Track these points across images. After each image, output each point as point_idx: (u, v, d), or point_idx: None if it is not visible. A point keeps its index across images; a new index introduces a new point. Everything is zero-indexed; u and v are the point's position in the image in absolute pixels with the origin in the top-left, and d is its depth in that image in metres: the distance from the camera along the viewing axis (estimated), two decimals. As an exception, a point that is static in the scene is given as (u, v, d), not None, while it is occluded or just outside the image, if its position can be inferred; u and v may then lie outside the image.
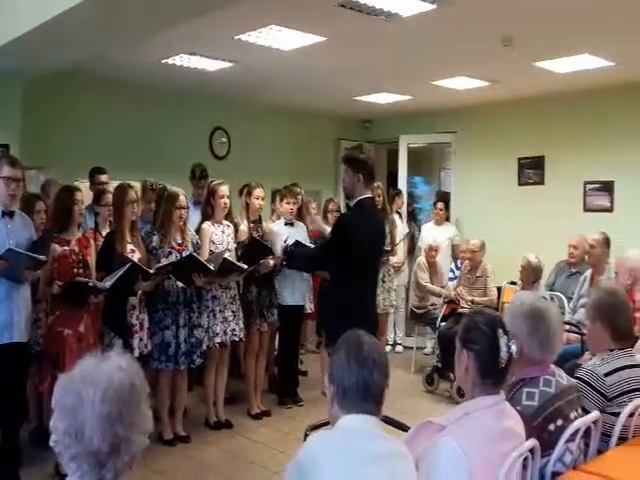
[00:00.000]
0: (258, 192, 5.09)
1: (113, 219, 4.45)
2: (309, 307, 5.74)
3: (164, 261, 4.35)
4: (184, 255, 4.44)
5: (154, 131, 6.93)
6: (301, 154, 8.13)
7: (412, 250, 7.86)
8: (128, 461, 1.39)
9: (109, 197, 4.67)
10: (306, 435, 2.24)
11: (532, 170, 7.42)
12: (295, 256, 4.54)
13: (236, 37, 5.01)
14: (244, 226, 5.06)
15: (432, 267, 6.76)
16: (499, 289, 6.24)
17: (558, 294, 5.54)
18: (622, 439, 2.43)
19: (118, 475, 1.38)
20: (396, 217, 7.05)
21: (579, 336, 4.53)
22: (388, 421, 2.30)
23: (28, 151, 5.46)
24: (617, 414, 2.42)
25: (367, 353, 1.81)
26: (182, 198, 4.52)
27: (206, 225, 4.78)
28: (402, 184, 8.16)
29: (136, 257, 4.21)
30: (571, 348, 4.40)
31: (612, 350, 2.60)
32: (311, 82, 6.64)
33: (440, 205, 7.68)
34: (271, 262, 4.97)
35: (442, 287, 6.62)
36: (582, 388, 2.46)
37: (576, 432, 2.20)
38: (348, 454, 1.73)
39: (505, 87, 6.72)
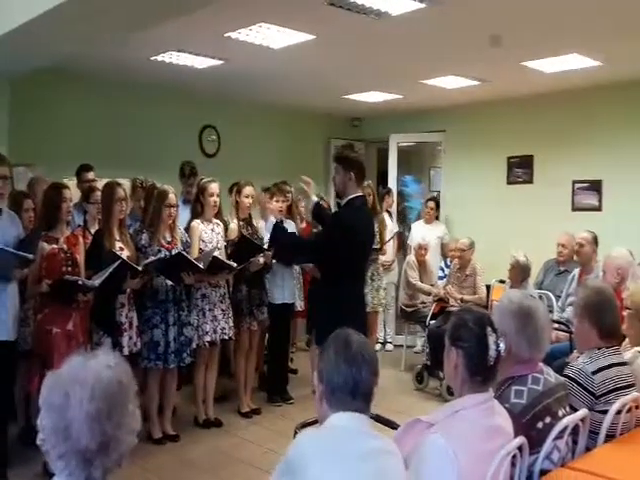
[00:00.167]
0: (248, 190, 5.07)
1: (102, 217, 4.43)
2: (299, 305, 5.74)
3: (152, 259, 4.33)
4: (173, 253, 4.43)
5: (143, 129, 6.89)
6: (291, 152, 8.11)
7: (402, 248, 7.88)
8: (117, 460, 1.39)
9: (98, 195, 4.62)
10: (296, 433, 2.23)
11: (521, 169, 7.45)
12: (286, 237, 4.37)
13: (226, 35, 5.00)
14: (234, 224, 5.06)
15: (422, 265, 6.80)
16: (488, 287, 6.27)
17: (547, 292, 5.56)
18: (610, 436, 2.45)
19: (106, 473, 1.38)
20: (386, 216, 7.06)
21: (568, 334, 4.55)
22: (377, 419, 2.30)
23: (16, 148, 5.42)
24: (605, 412, 2.43)
25: (356, 351, 1.81)
26: (171, 196, 4.49)
27: (195, 223, 4.77)
28: (392, 183, 8.16)
29: (125, 255, 4.18)
30: (559, 346, 4.42)
31: (600, 348, 2.60)
32: (301, 80, 6.63)
33: (431, 204, 7.70)
34: (261, 260, 4.97)
35: (432, 285, 6.66)
36: (570, 386, 2.46)
37: (564, 430, 2.21)
38: (337, 452, 1.72)
39: (494, 86, 6.75)
